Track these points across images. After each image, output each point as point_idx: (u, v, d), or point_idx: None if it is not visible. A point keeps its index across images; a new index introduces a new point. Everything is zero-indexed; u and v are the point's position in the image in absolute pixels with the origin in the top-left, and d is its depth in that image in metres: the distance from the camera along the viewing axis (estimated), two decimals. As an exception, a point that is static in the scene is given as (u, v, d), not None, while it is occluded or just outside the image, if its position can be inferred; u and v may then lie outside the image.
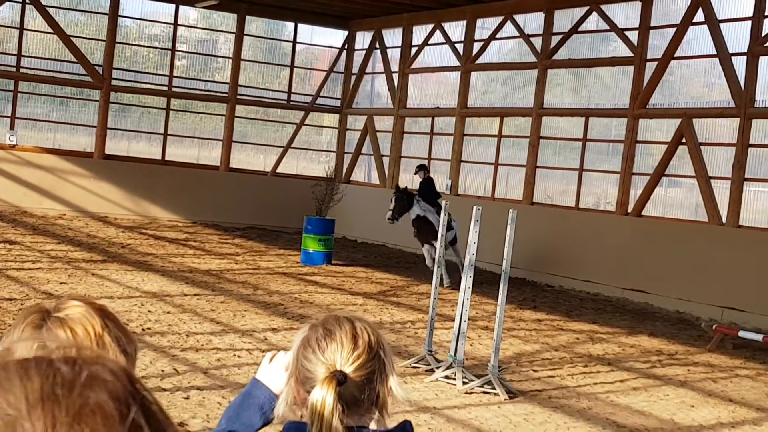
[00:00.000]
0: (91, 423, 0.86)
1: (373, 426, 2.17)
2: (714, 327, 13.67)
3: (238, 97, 26.03)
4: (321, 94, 27.17)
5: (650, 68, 18.58)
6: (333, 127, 27.93)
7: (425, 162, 22.18)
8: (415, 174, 19.59)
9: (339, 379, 2.11)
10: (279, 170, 26.56)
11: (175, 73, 25.51)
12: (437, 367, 9.92)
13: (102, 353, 0.94)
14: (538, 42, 21.04)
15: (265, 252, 20.27)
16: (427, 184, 18.90)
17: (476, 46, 22.96)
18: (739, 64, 16.81)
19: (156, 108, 25.82)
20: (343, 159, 27.24)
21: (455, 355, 9.74)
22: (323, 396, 2.08)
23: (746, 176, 16.74)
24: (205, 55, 26.63)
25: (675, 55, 18.28)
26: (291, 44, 26.89)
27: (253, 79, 26.80)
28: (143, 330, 10.79)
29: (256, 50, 27.17)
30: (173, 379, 8.72)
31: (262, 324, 11.91)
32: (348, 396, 2.13)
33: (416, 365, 10.15)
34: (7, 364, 0.91)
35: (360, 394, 2.15)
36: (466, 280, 9.91)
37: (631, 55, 18.89)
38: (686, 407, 9.52)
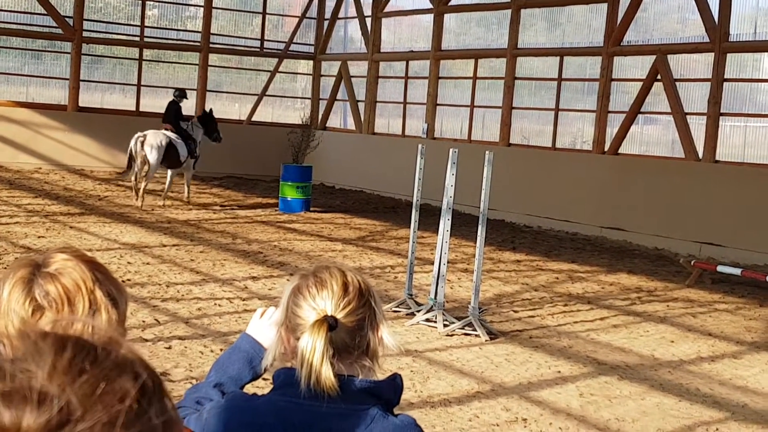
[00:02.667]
0: (109, 405, 0.83)
1: (362, 376, 2.16)
2: (692, 262, 13.75)
3: (211, 45, 25.77)
4: (294, 40, 26.94)
5: (624, 5, 18.49)
6: (307, 74, 27.73)
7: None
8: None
9: (330, 323, 2.09)
10: (254, 118, 26.40)
11: (146, 23, 25.21)
12: (418, 311, 9.95)
13: (138, 351, 0.92)
14: (511, -18, 20.89)
15: (243, 201, 20.21)
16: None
17: (449, -12, 22.78)
18: (713, -1, 16.76)
19: (128, 59, 25.51)
20: (319, 105, 27.10)
21: (435, 298, 9.76)
22: (314, 341, 2.07)
23: (722, 111, 16.77)
24: (177, 4, 26.29)
25: (649, -8, 18.18)
26: (262, -10, 26.58)
27: (225, 27, 26.52)
28: (123, 281, 10.70)
29: (227, -3, 26.87)
30: (154, 329, 8.71)
31: (242, 273, 11.89)
32: (339, 342, 2.12)
33: (397, 309, 10.18)
34: (46, 335, 0.88)
35: (351, 340, 2.14)
36: (444, 223, 9.91)
37: (605, -8, 18.78)
38: (666, 343, 9.59)
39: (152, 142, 18.07)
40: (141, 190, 17.77)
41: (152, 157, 17.96)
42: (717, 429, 6.82)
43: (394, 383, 2.20)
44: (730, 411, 7.25)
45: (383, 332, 2.21)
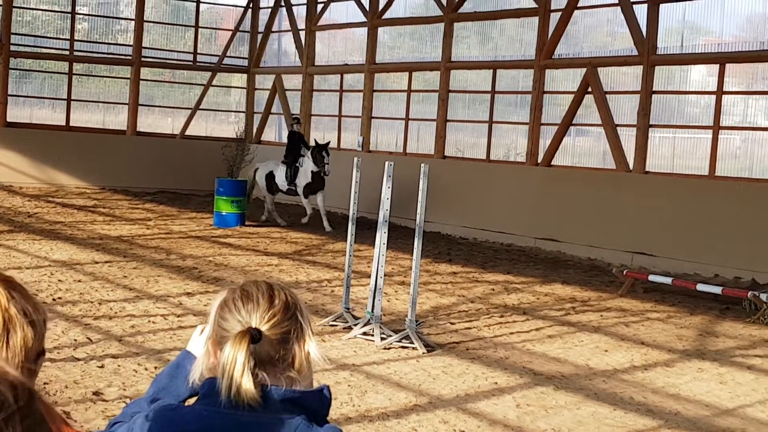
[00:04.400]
0: None
1: (287, 388, 2.16)
2: (625, 272, 13.94)
3: (143, 59, 25.52)
4: (228, 54, 26.81)
5: (554, 19, 18.73)
6: (241, 87, 27.61)
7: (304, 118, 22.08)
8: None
9: (253, 335, 2.10)
10: (188, 132, 26.20)
11: (76, 37, 24.90)
12: (355, 324, 9.94)
13: (7, 368, 0.90)
14: (443, -5, 21.04)
15: (177, 216, 20.02)
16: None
17: (382, 1, 22.86)
18: (641, 12, 17.05)
19: (58, 73, 25.14)
20: (253, 119, 27.00)
21: (372, 311, 9.76)
22: (234, 353, 2.07)
23: (651, 123, 17.05)
24: (107, 17, 26.01)
25: (578, 5, 18.43)
26: (195, 4, 26.40)
27: (157, 40, 26.30)
28: (54, 300, 10.57)
29: (159, 11, 26.64)
30: (87, 348, 8.57)
31: (176, 289, 11.77)
32: (263, 354, 2.13)
33: (334, 323, 10.16)
34: None
35: (275, 353, 2.15)
36: (381, 236, 9.92)
37: (536, 6, 19.01)
38: (600, 352, 9.70)
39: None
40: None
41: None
42: (651, 437, 6.91)
43: (321, 394, 2.20)
44: (663, 419, 7.35)
45: (310, 346, 2.22)
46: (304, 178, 19.57)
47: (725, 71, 16.20)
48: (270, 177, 20.05)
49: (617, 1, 17.47)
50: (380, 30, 23.31)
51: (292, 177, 19.66)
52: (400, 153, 22.08)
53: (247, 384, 2.07)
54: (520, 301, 12.51)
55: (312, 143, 20.15)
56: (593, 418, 7.29)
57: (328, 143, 19.65)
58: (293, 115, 20.92)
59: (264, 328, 2.14)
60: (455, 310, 11.59)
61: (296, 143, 19.97)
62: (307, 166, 19.54)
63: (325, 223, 19.20)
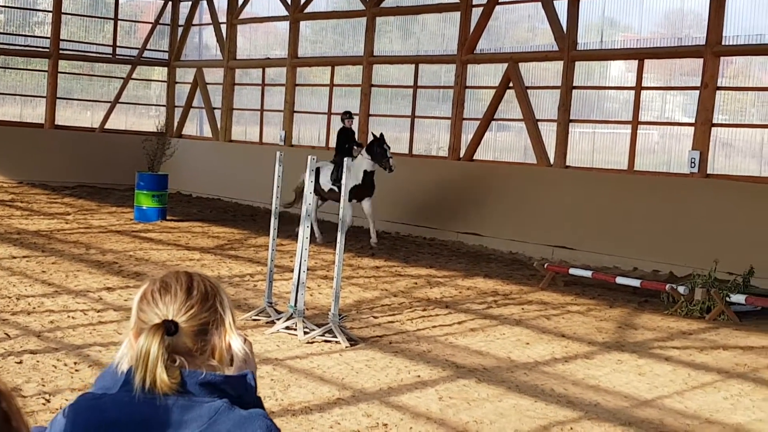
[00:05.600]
0: None
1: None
2: (545, 266, 14.10)
3: (61, 52, 25.06)
4: (147, 47, 26.47)
5: (476, 14, 18.85)
6: (162, 81, 27.28)
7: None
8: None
9: (167, 327, 2.11)
10: (107, 126, 25.82)
11: (-9, 28, 24.37)
12: (278, 319, 9.89)
13: None
14: (366, -10, 21.04)
15: (97, 210, 19.70)
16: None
17: (304, -5, 22.78)
18: (561, 8, 17.24)
19: (-28, 65, 24.60)
20: (174, 113, 26.70)
21: (295, 305, 9.72)
22: (148, 344, 2.09)
23: (571, 118, 17.26)
24: (24, 9, 25.49)
25: (500, 1, 18.57)
26: (114, -5, 26.01)
27: (76, 33, 25.85)
28: (-31, 297, 10.33)
29: (77, 3, 26.18)
30: (4, 344, 8.39)
31: (96, 284, 11.58)
32: (181, 346, 2.14)
33: (257, 318, 10.09)
34: None
35: (193, 344, 2.15)
36: (304, 231, 9.88)
37: (457, 1, 19.11)
38: (522, 345, 9.79)
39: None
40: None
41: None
42: (571, 428, 6.99)
43: (244, 380, 2.20)
44: (583, 410, 7.45)
45: (231, 338, 2.22)
46: (353, 179, 16.37)
47: (644, 67, 16.48)
48: (315, 176, 17.84)
49: (538, -3, 17.64)
50: (302, 24, 23.22)
51: (337, 176, 16.72)
52: (323, 147, 22.02)
53: (161, 375, 2.08)
54: (442, 294, 12.56)
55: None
56: (515, 410, 7.35)
57: (382, 135, 17.03)
58: (345, 111, 17.88)
59: (181, 319, 2.15)
60: (378, 304, 11.60)
61: (347, 141, 17.32)
62: (359, 165, 16.73)
63: (373, 236, 16.90)
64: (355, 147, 17.28)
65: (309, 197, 9.84)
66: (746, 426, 7.30)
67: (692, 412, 7.56)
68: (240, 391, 2.17)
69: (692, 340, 10.52)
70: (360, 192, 16.87)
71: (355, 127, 18.45)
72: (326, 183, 17.16)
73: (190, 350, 2.15)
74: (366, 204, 17.02)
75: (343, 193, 14.98)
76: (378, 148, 16.71)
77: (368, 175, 16.86)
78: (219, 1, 25.28)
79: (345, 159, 15.40)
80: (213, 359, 2.18)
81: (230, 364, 2.23)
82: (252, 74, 24.94)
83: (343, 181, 15.39)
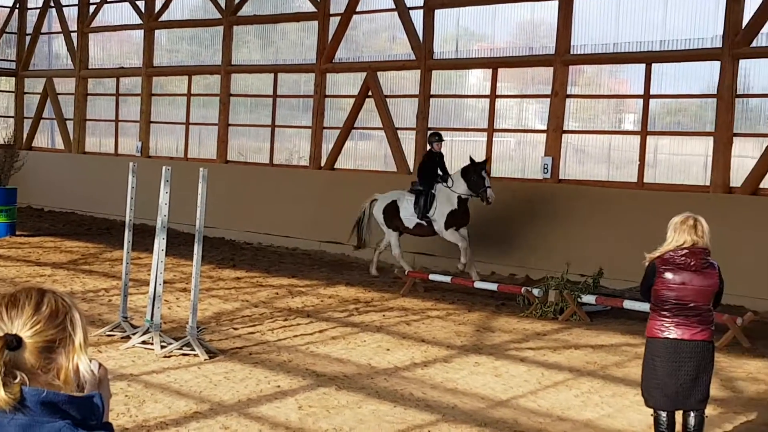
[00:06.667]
0: None
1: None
2: (406, 272, 14.21)
3: None
4: (-6, 56, 25.63)
5: (334, 23, 18.90)
6: (9, 92, 26.44)
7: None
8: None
9: (8, 341, 2.06)
10: (-47, 139, 24.84)
11: None
12: (134, 333, 9.66)
13: None
14: (222, -2, 20.87)
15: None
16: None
17: (159, 3, 22.42)
18: (417, 18, 17.45)
19: None
20: (23, 124, 25.88)
21: (152, 319, 9.52)
22: None
23: (429, 126, 17.46)
24: None
25: (357, 10, 18.68)
26: (-42, 3, 25.11)
27: None
28: None
29: None
30: None
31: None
32: (23, 362, 2.08)
33: (111, 333, 9.84)
34: None
35: (37, 362, 2.09)
36: (159, 243, 9.68)
37: (315, 10, 19.12)
38: (382, 351, 9.83)
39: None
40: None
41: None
42: (429, 431, 7.04)
43: (90, 401, 2.14)
44: (441, 413, 7.51)
45: (80, 360, 2.15)
46: (447, 205, 14.57)
47: (498, 75, 16.82)
48: (391, 210, 15.24)
49: (395, 7, 17.80)
50: (158, 32, 22.84)
51: (425, 208, 14.69)
52: (181, 158, 21.70)
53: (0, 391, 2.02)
54: (304, 304, 12.52)
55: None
56: (374, 415, 7.37)
57: (485, 161, 14.71)
58: (432, 130, 15.82)
59: (25, 335, 2.09)
60: (239, 315, 11.48)
61: (435, 167, 14.89)
62: (451, 193, 14.55)
63: (473, 272, 14.51)
64: (439, 179, 14.77)
65: (164, 208, 9.63)
66: (596, 421, 7.49)
67: (545, 411, 7.73)
68: (85, 413, 2.11)
69: (546, 340, 10.77)
70: (456, 219, 14.57)
71: (213, 137, 18.23)
72: (410, 217, 15.01)
73: (33, 367, 2.08)
74: (461, 234, 14.67)
75: (437, 225, 14.20)
76: (475, 176, 14.29)
77: (463, 202, 14.51)
78: (69, 9, 24.63)
79: (437, 185, 14.41)
80: (58, 379, 2.11)
81: (79, 388, 2.16)
82: (106, 84, 24.39)
83: (435, 210, 14.36)
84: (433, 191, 14.63)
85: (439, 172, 14.80)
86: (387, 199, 15.23)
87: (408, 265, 14.98)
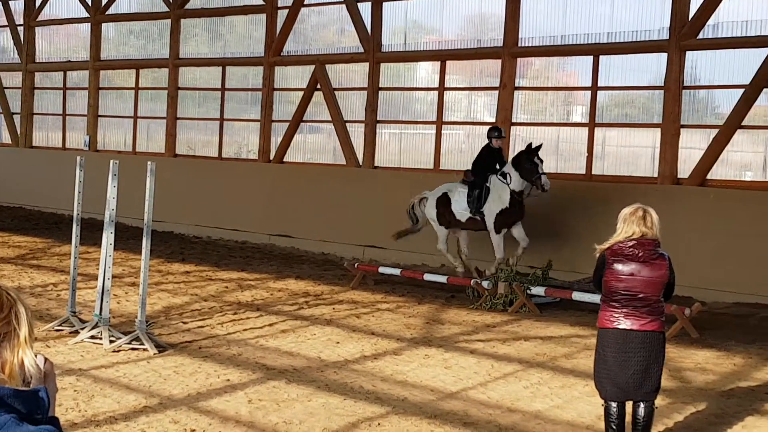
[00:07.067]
0: None
1: None
2: (356, 265, 14.25)
3: None
4: (-62, 49, 25.22)
5: (282, 16, 18.86)
6: (-46, 86, 26.03)
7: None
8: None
9: None
10: None
11: None
12: (82, 328, 9.60)
13: None
14: (170, -9, 20.72)
15: None
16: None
17: (106, -3, 22.23)
18: (365, 11, 17.46)
19: None
20: (-31, 119, 25.53)
21: (101, 313, 9.47)
22: None
23: (378, 119, 17.51)
24: None
25: (305, 3, 18.65)
26: None
27: None
28: None
29: None
30: None
31: None
32: None
33: (59, 328, 9.77)
34: None
35: None
36: (108, 237, 9.62)
37: (263, 3, 19.07)
38: (332, 344, 9.86)
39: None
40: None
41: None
42: (379, 424, 7.08)
43: (35, 396, 2.12)
44: (391, 405, 7.56)
45: (25, 354, 2.14)
46: (497, 203, 13.73)
47: (446, 68, 16.89)
48: (443, 203, 14.34)
49: (343, 0, 17.80)
50: (105, 26, 22.63)
51: (478, 202, 13.88)
52: (129, 152, 21.55)
53: None
54: (253, 297, 12.51)
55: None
56: (324, 408, 7.40)
57: (539, 146, 13.52)
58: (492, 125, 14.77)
59: None
60: (188, 309, 11.44)
61: (493, 161, 14.05)
62: (504, 187, 13.70)
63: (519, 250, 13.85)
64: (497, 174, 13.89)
65: (112, 202, 9.57)
66: (545, 413, 7.58)
67: (495, 402, 7.80)
68: (31, 407, 2.10)
69: (496, 332, 10.87)
70: (507, 217, 13.75)
71: (161, 131, 18.13)
72: (462, 211, 14.12)
73: None
74: (515, 232, 13.81)
75: (488, 223, 13.29)
76: (527, 163, 13.40)
77: (516, 196, 13.62)
78: (15, 3, 24.31)
79: (491, 177, 13.49)
80: (3, 373, 2.10)
81: (25, 382, 2.16)
82: (53, 78, 24.12)
83: (487, 205, 13.50)
84: (487, 184, 13.85)
85: (497, 167, 13.95)
86: (437, 193, 14.45)
87: (461, 265, 14.38)
